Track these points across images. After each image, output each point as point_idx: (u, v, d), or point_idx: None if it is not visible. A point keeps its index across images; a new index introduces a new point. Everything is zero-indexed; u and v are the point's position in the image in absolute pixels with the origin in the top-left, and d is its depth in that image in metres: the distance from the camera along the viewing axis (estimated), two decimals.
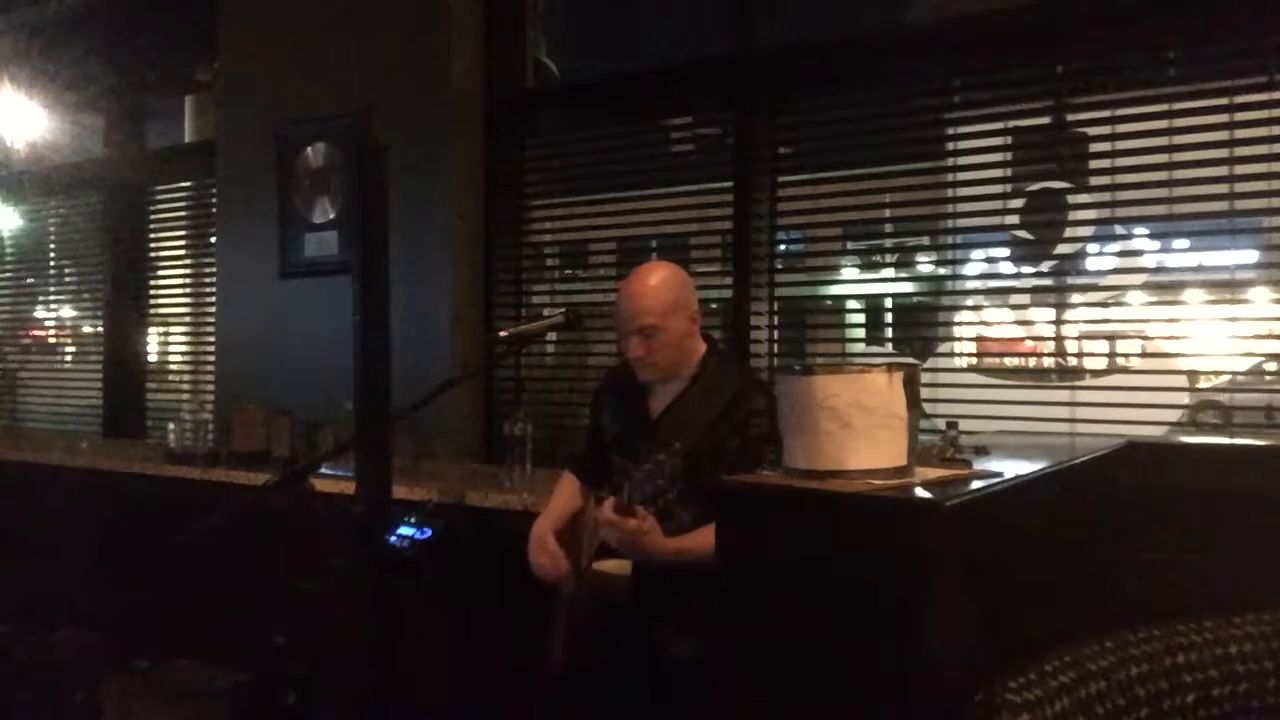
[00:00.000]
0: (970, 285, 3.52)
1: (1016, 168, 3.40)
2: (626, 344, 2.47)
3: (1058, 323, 3.36)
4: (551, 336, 3.78)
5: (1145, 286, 3.11)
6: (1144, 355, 3.32)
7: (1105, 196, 3.09)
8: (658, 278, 2.47)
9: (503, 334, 2.67)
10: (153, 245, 5.44)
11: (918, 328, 3.96)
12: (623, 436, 2.59)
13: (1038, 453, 2.39)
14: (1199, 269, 3.10)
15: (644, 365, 2.48)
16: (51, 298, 6.33)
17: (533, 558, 2.57)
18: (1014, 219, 3.35)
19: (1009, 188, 3.35)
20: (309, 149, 4.24)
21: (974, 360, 3.94)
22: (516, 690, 2.57)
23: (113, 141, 5.57)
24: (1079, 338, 3.44)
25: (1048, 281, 3.31)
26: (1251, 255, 3.06)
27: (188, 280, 5.34)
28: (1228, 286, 2.93)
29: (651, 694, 2.36)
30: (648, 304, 2.42)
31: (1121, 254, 3.20)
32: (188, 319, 5.41)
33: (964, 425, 2.30)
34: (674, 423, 2.49)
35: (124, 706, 3.77)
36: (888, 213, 3.82)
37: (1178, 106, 3.00)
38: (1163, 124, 2.97)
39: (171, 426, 4.42)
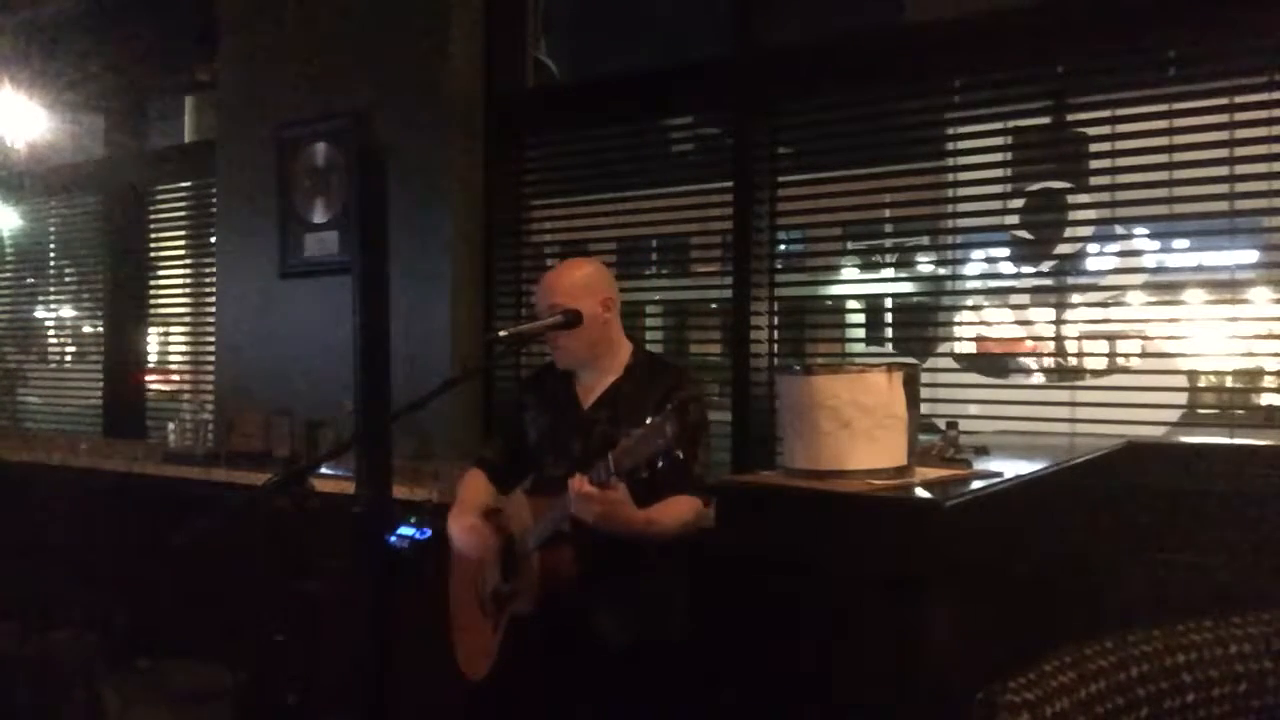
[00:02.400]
0: (970, 285, 3.51)
1: (1016, 168, 3.40)
2: None
3: (1058, 323, 3.36)
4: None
5: (1145, 286, 3.11)
6: (1144, 355, 3.32)
7: (1105, 196, 3.09)
8: (572, 266, 2.63)
9: (503, 334, 2.68)
10: (153, 245, 5.44)
11: (918, 328, 3.96)
12: (551, 431, 2.62)
13: (1038, 453, 2.39)
14: (1199, 269, 3.09)
15: (556, 349, 2.57)
16: (51, 298, 6.33)
17: (467, 538, 2.57)
18: (1014, 219, 3.35)
19: (1009, 188, 3.35)
20: (309, 149, 4.25)
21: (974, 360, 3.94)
22: (515, 689, 2.57)
23: (113, 141, 5.56)
24: (1079, 338, 3.44)
25: (1048, 281, 3.30)
26: (1251, 255, 3.05)
27: (188, 280, 5.34)
28: (1228, 286, 2.93)
29: (596, 685, 2.38)
30: (556, 285, 2.54)
31: (1121, 254, 3.20)
32: (188, 319, 5.41)
33: (964, 425, 2.30)
34: (611, 413, 2.53)
35: (124, 706, 3.77)
36: (888, 213, 3.82)
37: (1178, 106, 2.99)
38: (1163, 124, 2.96)
39: (171, 426, 4.42)
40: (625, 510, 2.30)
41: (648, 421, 2.16)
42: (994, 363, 3.93)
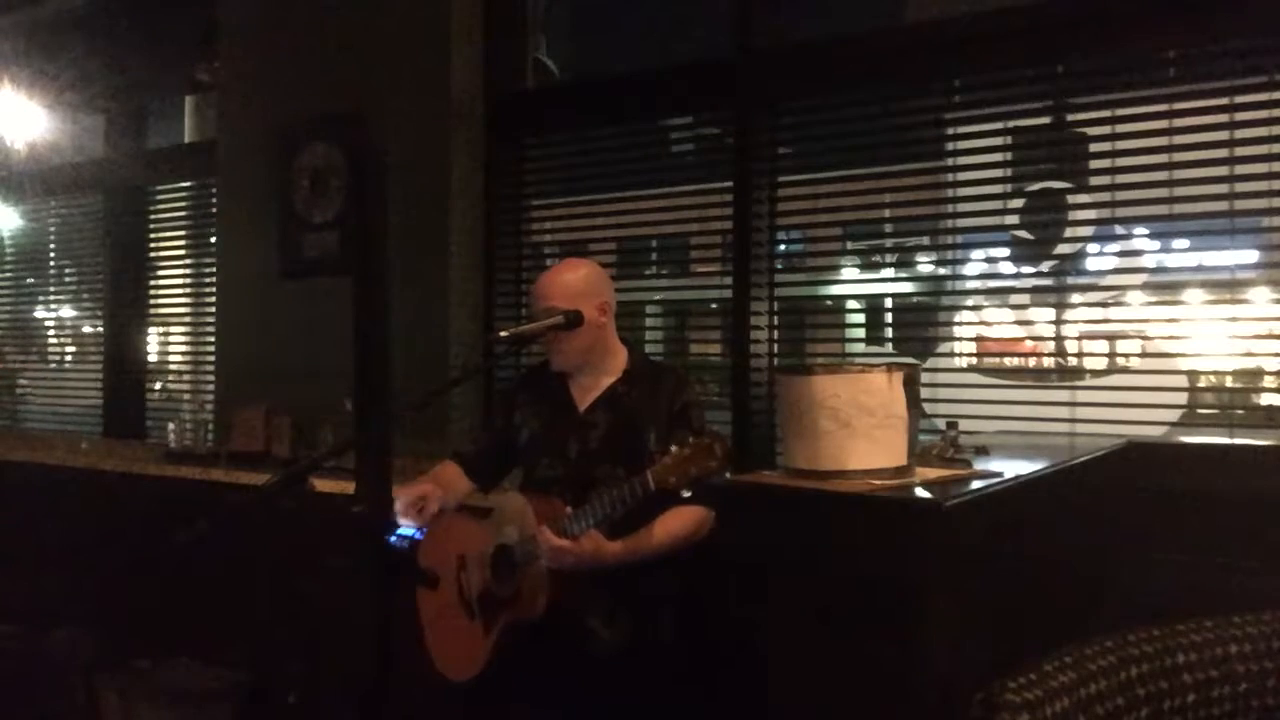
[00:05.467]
0: (970, 285, 3.52)
1: (1016, 168, 3.40)
2: None
3: (1058, 323, 3.36)
4: None
5: (1145, 286, 3.11)
6: (1144, 355, 3.32)
7: (1105, 196, 3.09)
8: (568, 268, 2.59)
9: (503, 334, 2.67)
10: (153, 245, 5.44)
11: (918, 328, 3.96)
12: (545, 432, 2.61)
13: (1038, 453, 2.39)
14: (1199, 269, 3.10)
15: (553, 351, 2.55)
16: (51, 298, 6.33)
17: (404, 497, 2.54)
18: (1014, 219, 3.35)
19: (1009, 188, 3.35)
20: (309, 149, 4.25)
21: (974, 360, 3.94)
22: (515, 689, 2.57)
23: (113, 141, 5.57)
24: (1079, 338, 3.44)
25: (1048, 281, 3.31)
26: (1251, 255, 3.05)
27: (188, 280, 5.34)
28: (1228, 286, 2.93)
29: (585, 683, 2.37)
30: (552, 289, 2.52)
31: (1121, 254, 3.20)
32: (188, 319, 5.41)
33: (964, 425, 2.30)
34: (609, 417, 2.52)
35: (124, 706, 3.77)
36: (888, 213, 3.82)
37: (1178, 106, 2.99)
38: (1163, 124, 2.96)
39: (171, 426, 4.43)
40: (600, 555, 2.31)
41: (690, 440, 2.16)
42: (994, 362, 3.94)
